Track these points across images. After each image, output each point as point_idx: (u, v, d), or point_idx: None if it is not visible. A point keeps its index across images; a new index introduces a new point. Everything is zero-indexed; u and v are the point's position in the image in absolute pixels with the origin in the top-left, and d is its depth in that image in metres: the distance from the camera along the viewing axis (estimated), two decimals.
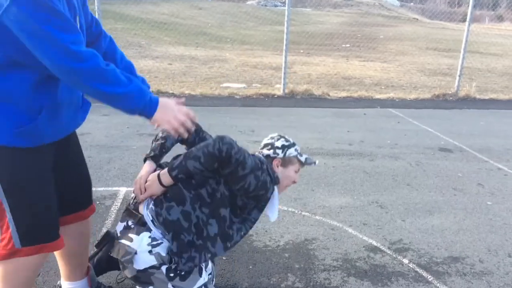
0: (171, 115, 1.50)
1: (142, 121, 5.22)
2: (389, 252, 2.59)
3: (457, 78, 7.70)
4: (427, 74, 10.44)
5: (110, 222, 2.80)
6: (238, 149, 1.68)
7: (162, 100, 1.50)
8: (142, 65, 9.10)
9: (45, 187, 1.58)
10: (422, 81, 9.47)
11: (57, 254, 1.90)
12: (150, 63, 9.78)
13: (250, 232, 2.73)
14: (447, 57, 13.56)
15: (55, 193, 1.64)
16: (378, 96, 7.58)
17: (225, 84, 7.93)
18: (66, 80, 1.41)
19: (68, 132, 1.69)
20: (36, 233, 1.58)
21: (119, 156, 4.02)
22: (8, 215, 1.52)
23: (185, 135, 1.61)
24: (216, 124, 5.29)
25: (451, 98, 7.63)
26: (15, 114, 1.44)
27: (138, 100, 1.43)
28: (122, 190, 3.31)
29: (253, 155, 1.91)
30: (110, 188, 3.34)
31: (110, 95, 1.39)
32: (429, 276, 2.36)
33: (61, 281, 2.01)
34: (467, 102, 7.50)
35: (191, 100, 6.63)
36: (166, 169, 1.71)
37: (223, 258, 2.43)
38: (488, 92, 8.24)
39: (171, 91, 7.02)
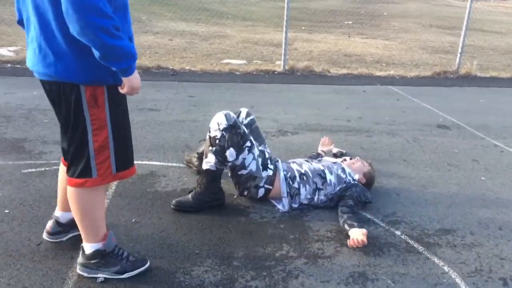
0: (135, 85, 1.79)
1: (141, 96, 5.31)
2: (382, 224, 2.66)
3: (458, 55, 7.66)
4: (429, 52, 10.37)
5: (110, 193, 2.85)
6: None
7: (136, 72, 1.81)
8: (142, 41, 9.06)
9: (129, 119, 1.96)
10: (423, 58, 9.42)
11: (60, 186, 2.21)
12: (150, 38, 9.72)
13: (247, 204, 2.81)
14: (450, 34, 13.43)
15: None
16: (378, 73, 7.56)
17: (225, 60, 7.90)
18: (76, 22, 1.57)
19: None
20: (126, 160, 1.95)
21: None
22: (111, 148, 1.86)
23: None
24: (215, 100, 5.31)
25: (451, 75, 7.61)
26: None
27: (127, 59, 1.68)
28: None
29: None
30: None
31: (108, 46, 1.60)
32: (420, 247, 2.42)
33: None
34: (468, 79, 7.48)
35: (191, 76, 6.64)
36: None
37: (220, 229, 2.50)
38: (489, 70, 8.21)
39: (171, 67, 7.02)
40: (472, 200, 3.02)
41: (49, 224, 2.26)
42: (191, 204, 2.71)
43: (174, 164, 3.36)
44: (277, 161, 2.91)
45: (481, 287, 2.12)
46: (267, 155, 2.88)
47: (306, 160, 3.01)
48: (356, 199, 2.72)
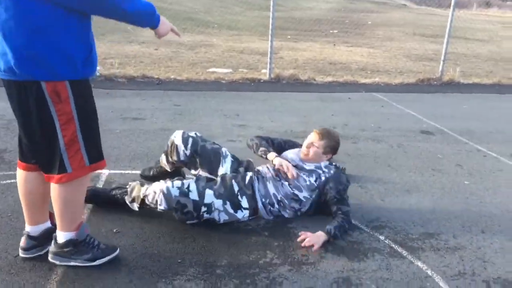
0: (166, 29, 2.01)
1: (126, 105, 5.27)
2: (366, 229, 2.65)
3: (441, 63, 7.77)
4: (413, 60, 10.51)
5: (90, 205, 2.79)
6: None
7: (162, 18, 1.99)
8: (128, 50, 9.03)
9: (96, 111, 2.01)
10: (407, 66, 9.53)
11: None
12: (136, 48, 9.69)
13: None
14: (434, 42, 13.63)
15: None
16: (363, 80, 7.62)
17: (211, 69, 7.90)
18: (98, 6, 1.78)
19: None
20: (97, 152, 2.01)
21: (102, 140, 3.99)
22: (80, 141, 1.90)
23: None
24: (201, 108, 5.29)
25: (435, 82, 7.71)
26: (83, 47, 1.83)
27: (152, 17, 1.92)
28: (105, 172, 3.31)
29: None
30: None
31: (130, 13, 1.82)
32: (403, 252, 2.42)
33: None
34: (451, 86, 7.58)
35: (176, 85, 6.62)
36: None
37: (203, 237, 2.47)
38: (472, 77, 8.34)
39: (156, 76, 6.99)
40: (456, 204, 3.04)
41: (22, 240, 2.20)
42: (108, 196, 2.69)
43: None
44: (252, 183, 2.66)
45: None
46: (235, 190, 2.58)
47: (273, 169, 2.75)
48: (337, 198, 2.62)
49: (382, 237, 2.56)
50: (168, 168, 2.92)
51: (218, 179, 2.62)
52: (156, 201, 2.50)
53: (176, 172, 2.96)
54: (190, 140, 2.74)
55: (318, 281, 2.14)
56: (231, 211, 2.57)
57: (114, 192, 2.68)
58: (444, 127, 4.98)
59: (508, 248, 2.50)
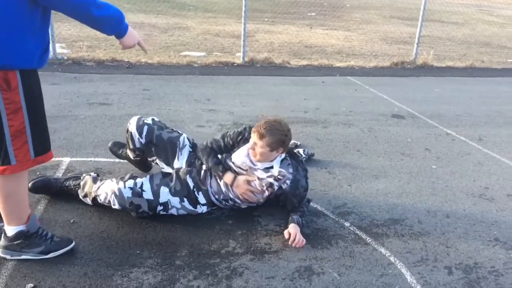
0: (132, 41, 2.01)
1: (93, 90, 5.11)
2: (332, 216, 2.62)
3: (415, 46, 7.77)
4: (388, 43, 10.50)
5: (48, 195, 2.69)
6: None
7: (130, 29, 1.99)
8: (98, 33, 8.71)
9: (43, 102, 1.93)
10: (383, 49, 9.52)
11: None
12: None
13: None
14: (410, 25, 13.65)
15: None
16: (338, 64, 7.57)
17: (184, 53, 7.72)
18: (68, 9, 1.76)
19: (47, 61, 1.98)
20: (44, 143, 1.94)
21: (65, 126, 3.86)
22: (28, 132, 1.83)
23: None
24: (170, 93, 5.17)
25: (409, 66, 7.72)
26: (41, 41, 1.81)
27: (119, 25, 1.91)
28: (66, 160, 3.19)
29: None
30: (53, 159, 3.20)
31: (98, 18, 1.80)
32: (368, 238, 2.40)
33: None
34: (424, 70, 7.61)
35: (147, 69, 6.45)
36: None
37: (165, 227, 2.40)
38: (445, 60, 8.38)
39: (127, 59, 6.79)
40: (422, 189, 3.03)
41: None
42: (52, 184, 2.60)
43: (121, 161, 3.21)
44: (206, 178, 2.55)
45: (426, 276, 2.11)
46: (190, 186, 2.48)
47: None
48: (296, 205, 2.49)
49: (347, 224, 2.53)
50: (131, 156, 2.83)
51: (174, 174, 2.52)
52: (109, 201, 2.42)
53: (142, 162, 2.86)
54: (145, 128, 2.62)
55: (280, 270, 2.10)
56: (190, 207, 2.50)
57: (67, 183, 2.58)
58: (415, 111, 4.98)
59: (472, 233, 2.51)
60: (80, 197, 2.53)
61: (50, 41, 6.36)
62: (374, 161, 3.48)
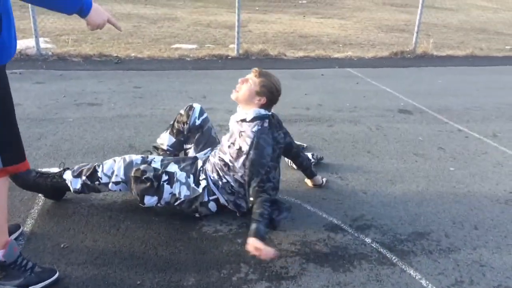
0: (100, 18, 1.74)
1: (81, 89, 4.78)
2: (350, 230, 2.38)
3: (415, 34, 7.53)
4: (384, 31, 10.25)
5: (36, 211, 2.42)
6: None
7: (95, 5, 1.72)
8: (84, 26, 8.31)
9: (12, 104, 1.68)
10: (379, 38, 9.27)
11: None
12: None
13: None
14: (404, 12, 13.42)
15: None
16: (336, 55, 7.31)
17: (175, 45, 7.40)
18: None
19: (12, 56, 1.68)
20: (15, 153, 1.71)
21: (52, 131, 3.56)
22: None
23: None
24: (163, 90, 4.87)
25: (408, 55, 7.48)
26: None
27: (77, 1, 1.63)
28: (53, 171, 2.90)
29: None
30: (38, 170, 2.92)
31: None
32: (393, 257, 2.17)
33: None
34: (425, 59, 7.38)
35: (137, 64, 6.13)
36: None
37: (167, 249, 2.14)
38: (445, 49, 8.16)
39: (115, 54, 6.45)
40: (443, 195, 2.81)
41: None
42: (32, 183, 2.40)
43: None
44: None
45: None
46: (198, 166, 2.45)
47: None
48: (253, 169, 2.19)
49: (368, 240, 2.30)
50: (165, 144, 2.72)
51: (189, 158, 2.54)
52: (112, 172, 2.31)
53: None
54: (205, 114, 2.69)
55: None
56: (193, 185, 2.37)
57: (51, 173, 2.42)
58: (421, 105, 4.75)
59: (505, 247, 2.29)
60: (67, 177, 2.36)
61: (33, 36, 6.01)
62: (387, 163, 3.24)
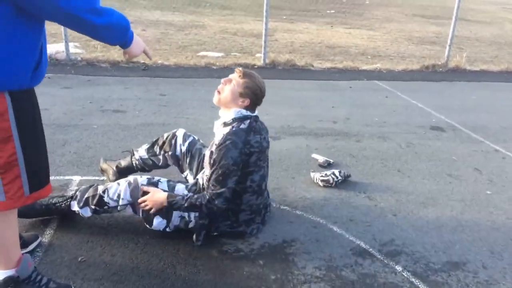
0: (139, 50, 1.75)
1: (107, 95, 4.78)
2: (379, 256, 2.24)
3: (447, 47, 7.31)
4: (414, 43, 10.02)
5: (56, 221, 2.37)
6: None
7: (136, 37, 1.72)
8: None
9: (42, 128, 1.66)
10: (409, 50, 9.06)
11: None
12: None
13: None
14: (435, 24, 13.13)
15: None
16: (364, 67, 7.15)
17: (201, 53, 7.38)
18: (62, 17, 1.43)
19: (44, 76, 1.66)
20: (41, 177, 1.66)
21: (76, 138, 3.55)
22: (21, 165, 1.55)
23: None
24: (188, 99, 4.83)
25: (440, 69, 7.26)
26: (30, 56, 1.49)
27: (124, 34, 1.62)
28: (76, 179, 2.88)
29: None
30: (61, 177, 2.89)
31: (99, 26, 1.48)
32: None
33: None
34: (457, 74, 7.14)
35: (164, 71, 6.12)
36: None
37: (185, 268, 2.05)
38: (478, 63, 7.89)
39: (142, 61, 6.47)
40: (480, 221, 2.63)
41: None
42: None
43: None
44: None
45: None
46: (200, 186, 2.37)
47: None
48: (212, 168, 2.15)
49: (399, 268, 2.16)
50: (139, 155, 2.65)
51: (192, 180, 2.47)
52: (119, 195, 2.19)
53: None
54: (191, 137, 2.59)
55: None
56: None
57: (54, 200, 2.31)
58: (454, 121, 4.56)
59: None
60: (77, 208, 2.26)
61: (63, 41, 6.08)
62: (418, 184, 3.08)
